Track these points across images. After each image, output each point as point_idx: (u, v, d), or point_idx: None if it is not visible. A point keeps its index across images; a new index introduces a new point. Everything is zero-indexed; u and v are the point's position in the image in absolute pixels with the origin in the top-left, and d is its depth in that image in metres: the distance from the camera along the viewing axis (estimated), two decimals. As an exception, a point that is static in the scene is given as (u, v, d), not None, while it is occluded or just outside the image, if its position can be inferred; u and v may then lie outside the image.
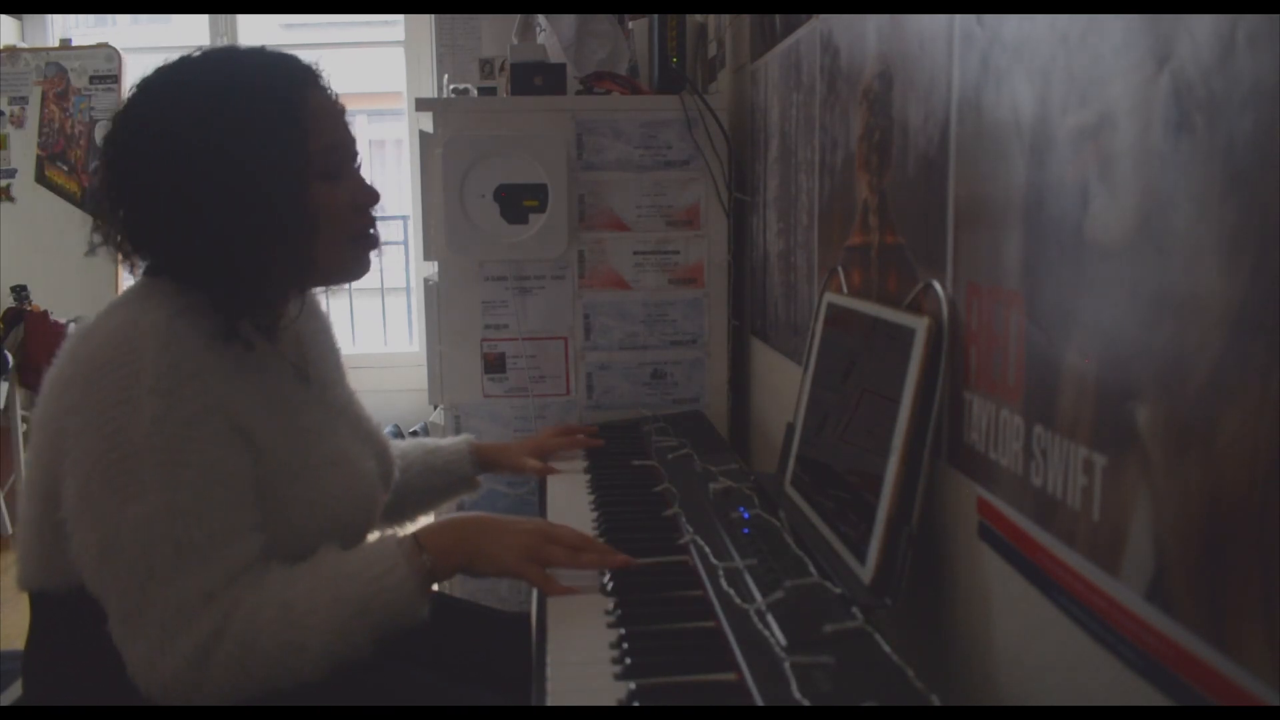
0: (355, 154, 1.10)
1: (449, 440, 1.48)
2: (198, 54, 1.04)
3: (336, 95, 1.08)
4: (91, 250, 1.05)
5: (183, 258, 1.00)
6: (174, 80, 1.02)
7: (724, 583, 0.96)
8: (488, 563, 1.01)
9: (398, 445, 1.42)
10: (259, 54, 1.05)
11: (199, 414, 0.93)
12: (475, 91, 2.02)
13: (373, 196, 1.09)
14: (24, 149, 3.92)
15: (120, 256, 1.04)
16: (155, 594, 0.90)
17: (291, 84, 1.03)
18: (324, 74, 1.08)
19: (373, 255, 1.13)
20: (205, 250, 0.98)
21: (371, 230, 1.11)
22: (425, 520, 1.22)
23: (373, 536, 1.14)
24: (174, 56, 1.04)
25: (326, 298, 1.27)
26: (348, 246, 1.09)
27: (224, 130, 0.98)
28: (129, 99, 1.02)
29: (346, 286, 1.14)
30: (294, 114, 1.01)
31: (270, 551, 0.97)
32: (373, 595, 0.95)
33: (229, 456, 0.95)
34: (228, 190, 0.98)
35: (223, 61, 1.04)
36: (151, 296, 0.99)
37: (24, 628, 1.04)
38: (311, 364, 1.17)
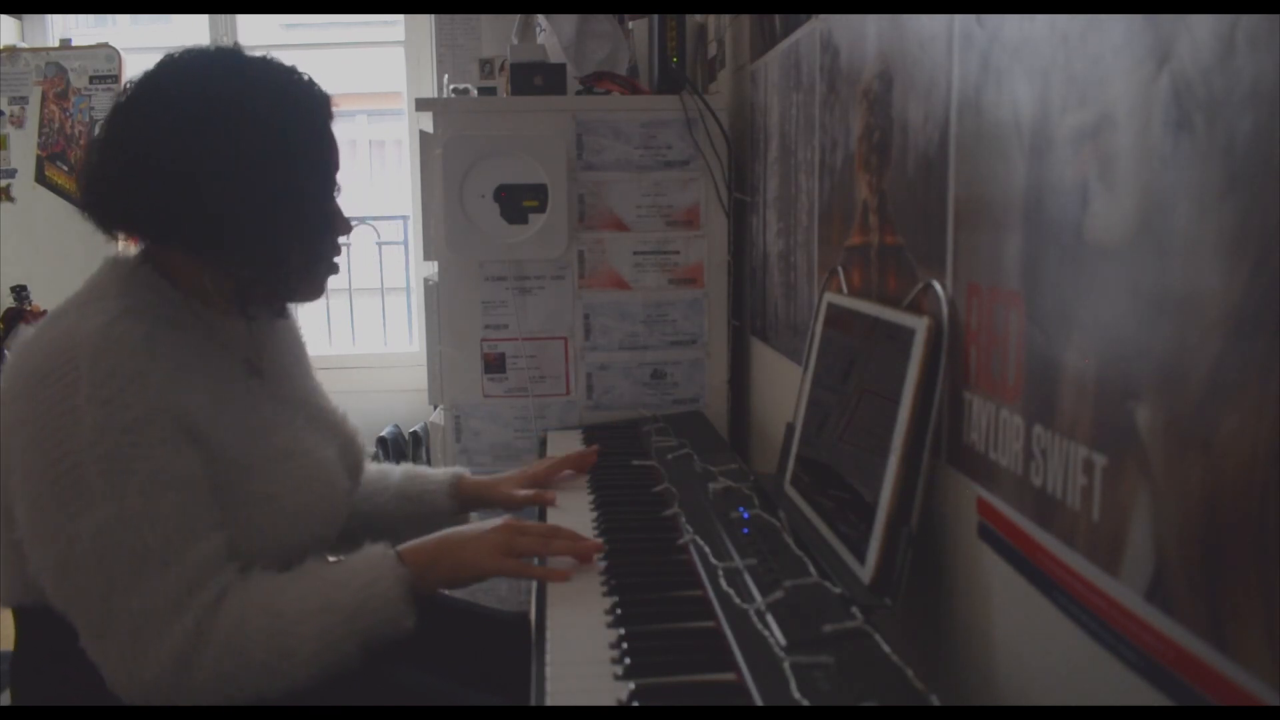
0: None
1: (436, 470, 1.42)
2: (254, 55, 1.05)
3: None
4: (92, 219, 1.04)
5: (214, 233, 1.01)
6: (225, 72, 1.02)
7: (724, 583, 0.96)
8: (468, 570, 1.04)
9: (389, 468, 1.38)
10: (294, 70, 1.08)
11: (141, 419, 0.91)
12: (475, 91, 2.02)
13: (349, 226, 1.14)
14: (24, 149, 3.91)
15: (112, 230, 1.03)
16: (119, 605, 0.88)
17: (327, 103, 1.08)
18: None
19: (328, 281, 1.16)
20: (247, 230, 1.01)
21: (338, 257, 1.15)
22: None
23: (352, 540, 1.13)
24: (216, 48, 1.05)
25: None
26: (327, 264, 1.13)
27: (289, 127, 1.02)
28: (168, 85, 1.02)
29: (346, 287, 1.16)
30: (331, 132, 1.08)
31: (239, 553, 0.96)
32: (361, 603, 0.95)
33: (177, 459, 0.93)
34: (281, 181, 1.01)
35: (269, 65, 1.05)
36: (90, 302, 0.97)
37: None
38: (267, 357, 1.16)
